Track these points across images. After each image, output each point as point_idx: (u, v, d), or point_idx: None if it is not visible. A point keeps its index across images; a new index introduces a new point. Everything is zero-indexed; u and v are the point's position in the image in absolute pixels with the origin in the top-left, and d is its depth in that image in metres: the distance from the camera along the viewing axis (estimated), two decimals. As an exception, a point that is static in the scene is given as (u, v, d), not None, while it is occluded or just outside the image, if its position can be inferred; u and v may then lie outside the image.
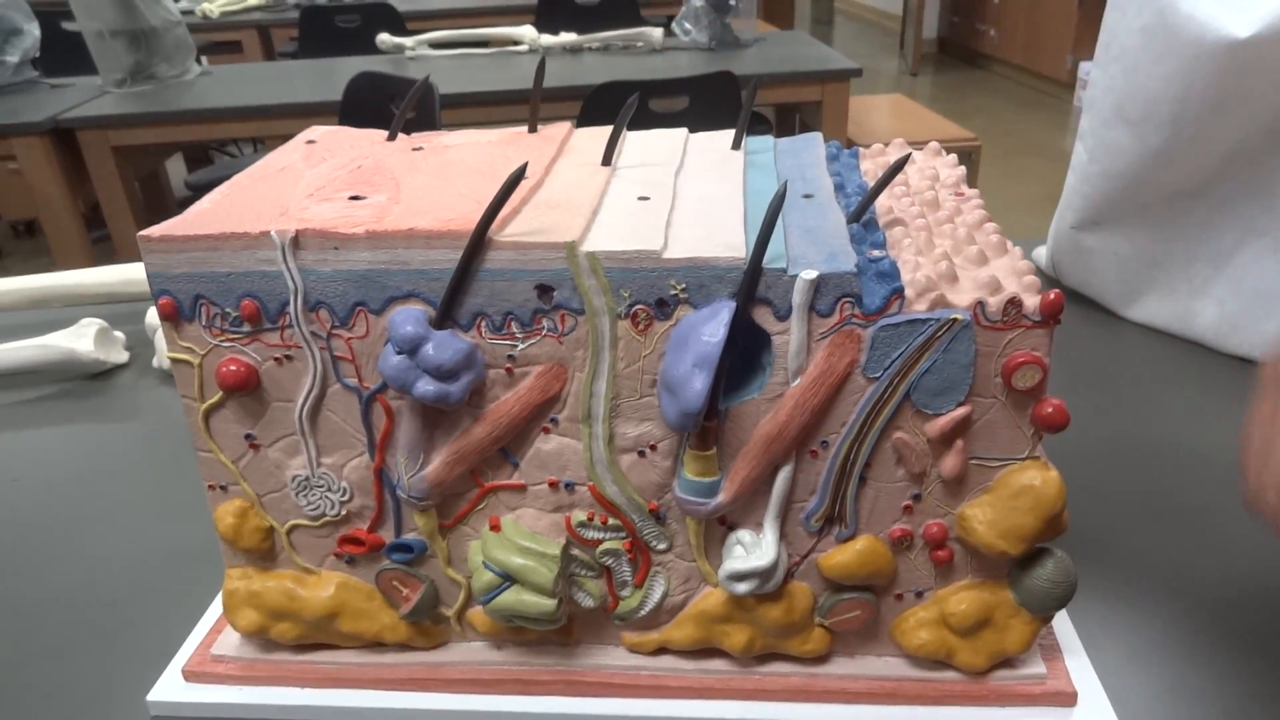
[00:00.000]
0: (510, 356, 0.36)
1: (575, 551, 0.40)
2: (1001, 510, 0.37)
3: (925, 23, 5.76)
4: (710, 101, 1.79)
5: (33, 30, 2.15)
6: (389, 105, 1.74)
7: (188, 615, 0.47)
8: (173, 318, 0.37)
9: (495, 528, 0.39)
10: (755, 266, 0.34)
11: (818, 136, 0.49)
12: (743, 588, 0.38)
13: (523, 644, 0.43)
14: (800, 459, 0.37)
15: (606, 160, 0.44)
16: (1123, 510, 0.53)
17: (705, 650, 0.42)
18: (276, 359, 0.38)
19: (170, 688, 0.43)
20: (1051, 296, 0.33)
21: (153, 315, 0.74)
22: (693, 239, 0.35)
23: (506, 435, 0.37)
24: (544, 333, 0.36)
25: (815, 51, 2.28)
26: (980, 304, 0.34)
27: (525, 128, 0.49)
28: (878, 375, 0.35)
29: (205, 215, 0.37)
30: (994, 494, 0.37)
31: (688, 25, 2.36)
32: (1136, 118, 0.62)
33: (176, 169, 2.87)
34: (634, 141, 0.48)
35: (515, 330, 0.36)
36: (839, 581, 0.39)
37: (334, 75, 2.09)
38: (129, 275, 0.80)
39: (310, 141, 0.47)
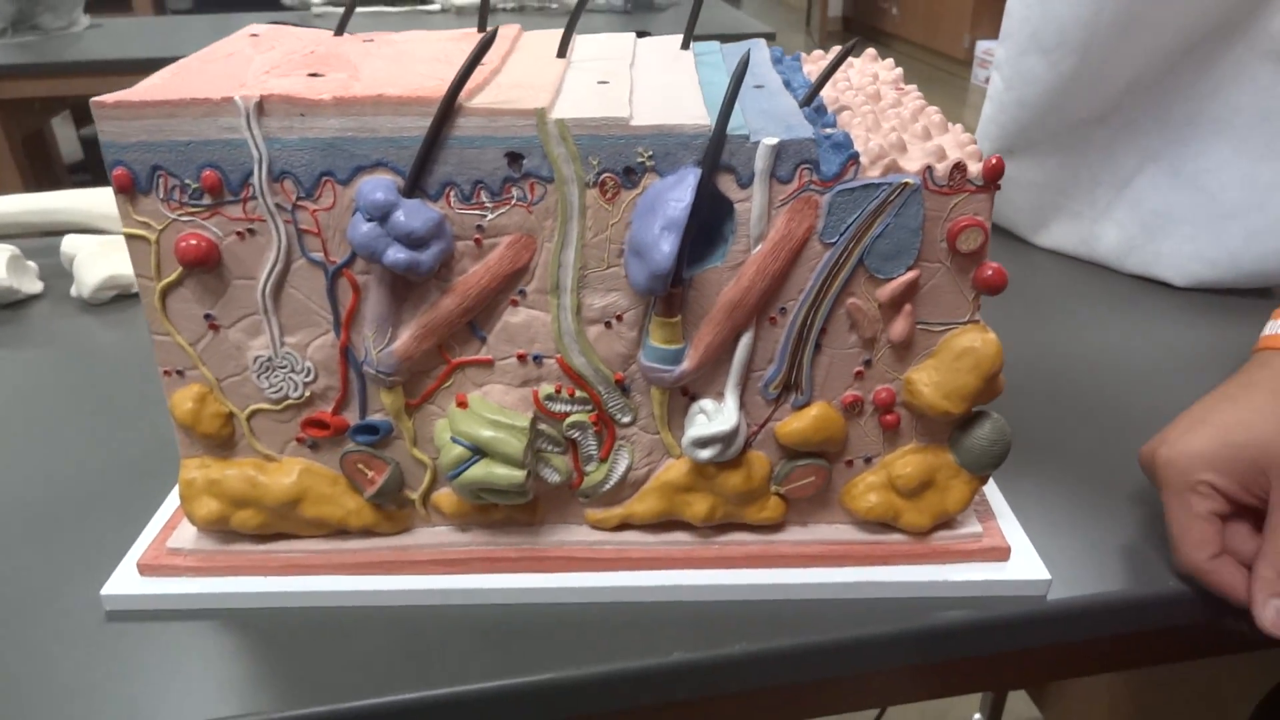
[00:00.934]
0: (479, 227, 0.37)
1: (542, 426, 0.41)
2: (945, 372, 0.39)
3: (830, 1, 5.88)
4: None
5: (-101, -26, 2.00)
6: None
7: (138, 517, 0.46)
8: (128, 190, 0.36)
9: (462, 404, 0.40)
10: (720, 132, 0.35)
11: (762, 42, 0.50)
12: (706, 454, 0.40)
13: (488, 525, 0.43)
14: (760, 326, 0.39)
15: (561, 53, 0.44)
16: (1041, 404, 0.57)
17: (666, 525, 0.44)
18: (238, 233, 0.37)
19: (125, 582, 0.42)
20: (993, 161, 0.36)
21: (68, 243, 0.71)
22: (658, 109, 0.37)
23: (475, 307, 0.38)
24: (513, 202, 0.37)
25: (728, 16, 2.30)
26: (929, 169, 0.36)
27: (474, 29, 0.49)
28: (834, 240, 0.37)
29: (159, 87, 0.36)
30: (937, 357, 0.40)
31: (607, -14, 2.35)
32: (1050, 45, 0.66)
33: (65, 134, 2.72)
34: (585, 41, 0.48)
35: (484, 199, 0.36)
36: (795, 448, 0.41)
37: (234, 30, 2.01)
38: (42, 205, 0.76)
39: (254, 35, 0.46)
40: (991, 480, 0.48)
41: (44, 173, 2.19)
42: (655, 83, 0.41)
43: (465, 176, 0.36)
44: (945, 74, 4.97)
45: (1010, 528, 0.45)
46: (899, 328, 0.39)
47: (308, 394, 0.40)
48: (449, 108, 0.35)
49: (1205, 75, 0.65)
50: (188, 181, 0.36)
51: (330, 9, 2.27)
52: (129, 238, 0.38)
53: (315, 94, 0.35)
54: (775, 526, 0.44)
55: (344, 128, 0.35)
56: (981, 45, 4.66)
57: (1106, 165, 0.71)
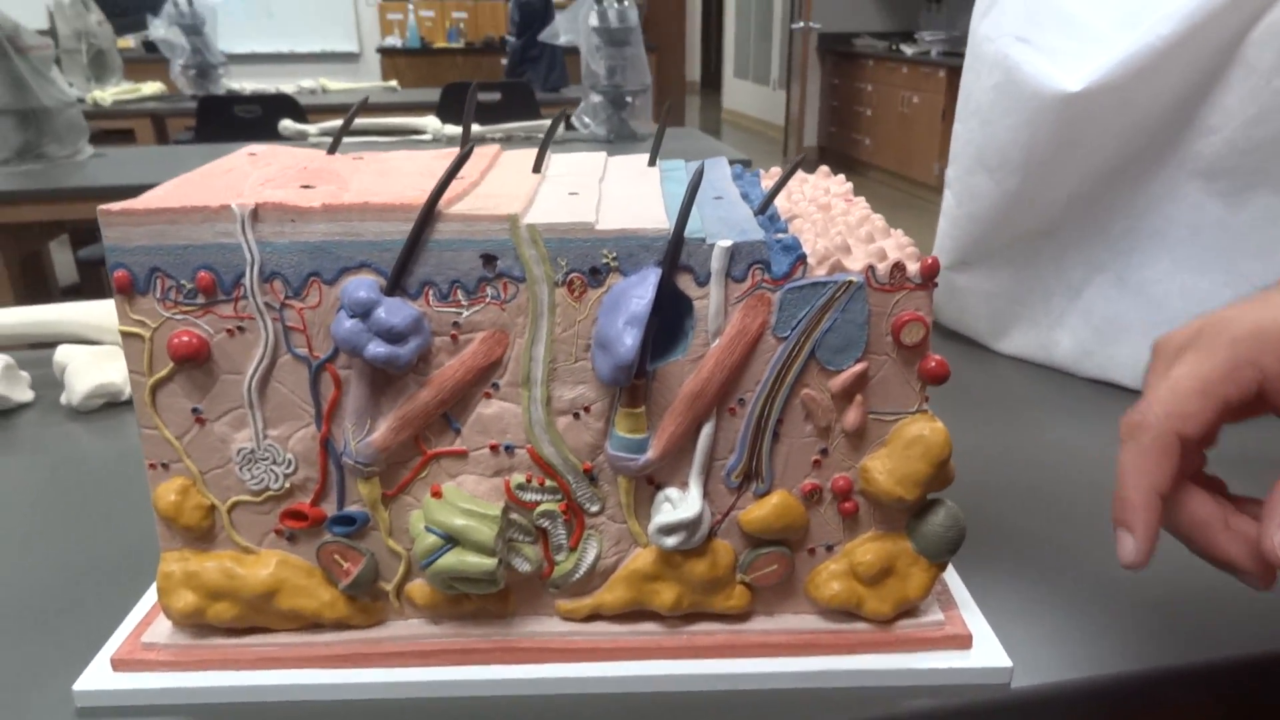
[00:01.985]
0: (455, 323, 0.39)
1: (514, 515, 0.42)
2: (897, 459, 0.41)
3: (806, 131, 6.18)
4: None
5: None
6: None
7: (115, 615, 0.46)
8: (127, 291, 0.39)
9: (437, 494, 0.42)
10: (679, 234, 0.38)
11: (724, 160, 0.55)
12: (671, 541, 0.41)
13: (460, 617, 0.44)
14: (720, 416, 0.41)
15: (537, 169, 0.48)
16: (1002, 498, 0.59)
17: (635, 615, 0.44)
18: (229, 330, 0.40)
19: (97, 677, 0.42)
20: (929, 261, 0.39)
21: (61, 353, 0.74)
22: (622, 215, 0.40)
23: (451, 399, 0.40)
24: (488, 300, 0.39)
25: (708, 145, 2.43)
26: (871, 268, 0.39)
27: (457, 149, 0.53)
28: (786, 335, 0.40)
29: (161, 197, 0.39)
30: (890, 446, 0.42)
31: (587, 119, 2.48)
32: (994, 164, 0.71)
33: (61, 257, 2.78)
34: (559, 159, 0.52)
35: (461, 297, 0.39)
36: (758, 536, 0.43)
37: (189, 159, 2.10)
38: (36, 317, 0.78)
39: (251, 154, 0.50)
40: (952, 569, 0.49)
41: (39, 293, 2.23)
42: (621, 193, 0.45)
43: (443, 276, 0.39)
44: (918, 199, 5.18)
45: (972, 616, 0.46)
46: (852, 417, 0.41)
47: (288, 485, 0.42)
48: (429, 213, 0.38)
49: (1140, 191, 0.69)
50: (183, 282, 0.39)
51: (326, 138, 2.38)
52: (125, 335, 0.40)
53: (306, 202, 0.38)
54: (742, 616, 0.45)
55: (331, 232, 0.38)
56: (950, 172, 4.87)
57: (1057, 276, 0.76)
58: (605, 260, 0.39)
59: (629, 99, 2.44)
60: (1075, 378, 0.77)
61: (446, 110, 2.89)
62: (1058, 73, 0.64)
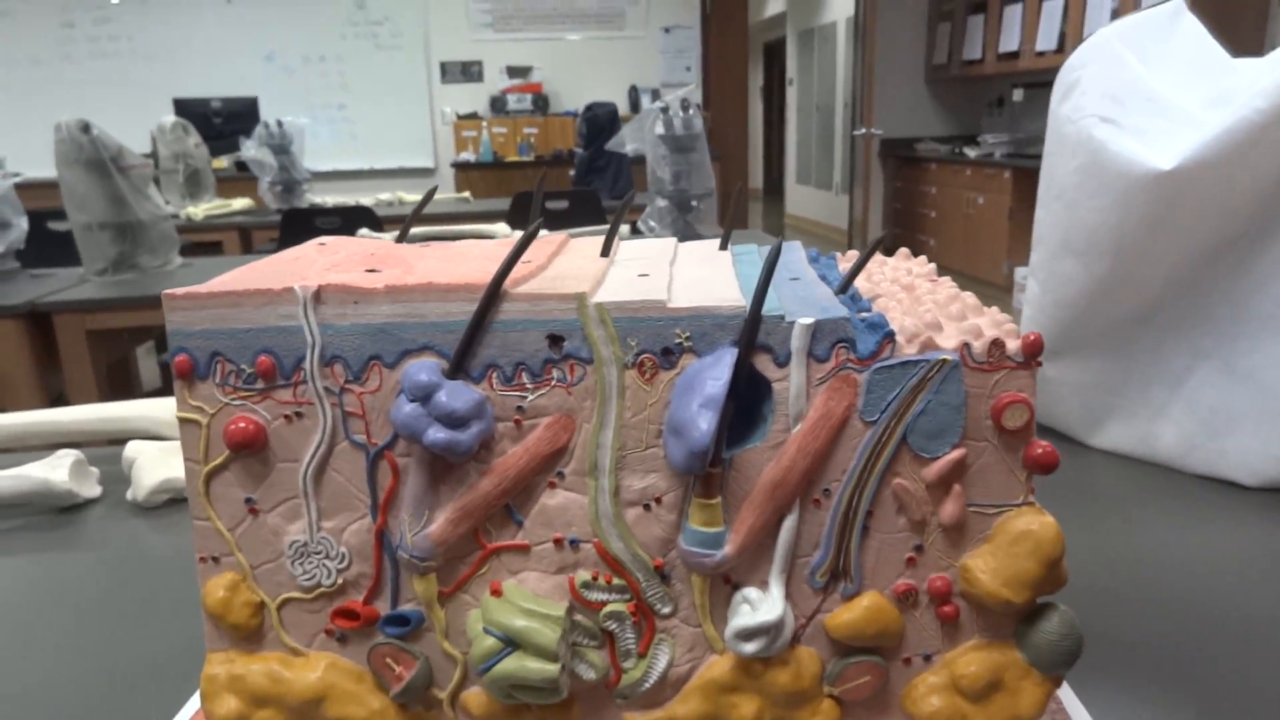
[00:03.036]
0: (520, 408, 0.37)
1: (578, 617, 0.39)
2: (1003, 558, 0.37)
3: (870, 235, 6.19)
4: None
5: (20, 223, 2.23)
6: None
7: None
8: (187, 376, 0.38)
9: (496, 593, 0.39)
10: (756, 312, 0.36)
11: (798, 244, 0.53)
12: (750, 647, 0.37)
13: (519, 730, 0.41)
14: (804, 508, 0.38)
15: (605, 253, 0.47)
16: (1111, 604, 0.53)
17: (711, 731, 0.40)
18: (286, 416, 0.38)
19: (134, 789, 0.40)
20: (1031, 337, 0.36)
21: (131, 449, 0.74)
22: (695, 293, 0.38)
23: (513, 489, 0.38)
24: (553, 383, 0.37)
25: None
26: (966, 346, 0.36)
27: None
28: (875, 419, 0.36)
29: (226, 282, 0.39)
30: (993, 542, 0.38)
31: (652, 223, 2.52)
32: (1081, 248, 0.68)
33: (147, 363, 2.89)
34: (628, 245, 0.51)
35: (525, 380, 0.37)
36: (847, 642, 0.38)
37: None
38: (109, 414, 0.79)
39: (321, 244, 0.50)
40: (1065, 684, 0.44)
41: (124, 396, 2.31)
42: (694, 274, 0.43)
43: (508, 359, 0.37)
44: (988, 298, 5.10)
45: (1095, 740, 0.40)
46: (950, 509, 0.37)
47: (340, 581, 0.39)
48: (494, 293, 0.36)
49: (1245, 273, 0.65)
50: (244, 366, 0.38)
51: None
52: (183, 422, 0.39)
53: (369, 283, 0.37)
54: (831, 734, 0.40)
55: (394, 313, 0.37)
56: (1019, 272, 4.80)
57: (1156, 364, 0.71)
58: (678, 340, 0.37)
59: (694, 203, 2.47)
60: (1181, 473, 0.71)
61: (516, 217, 2.98)
62: (1147, 151, 0.62)
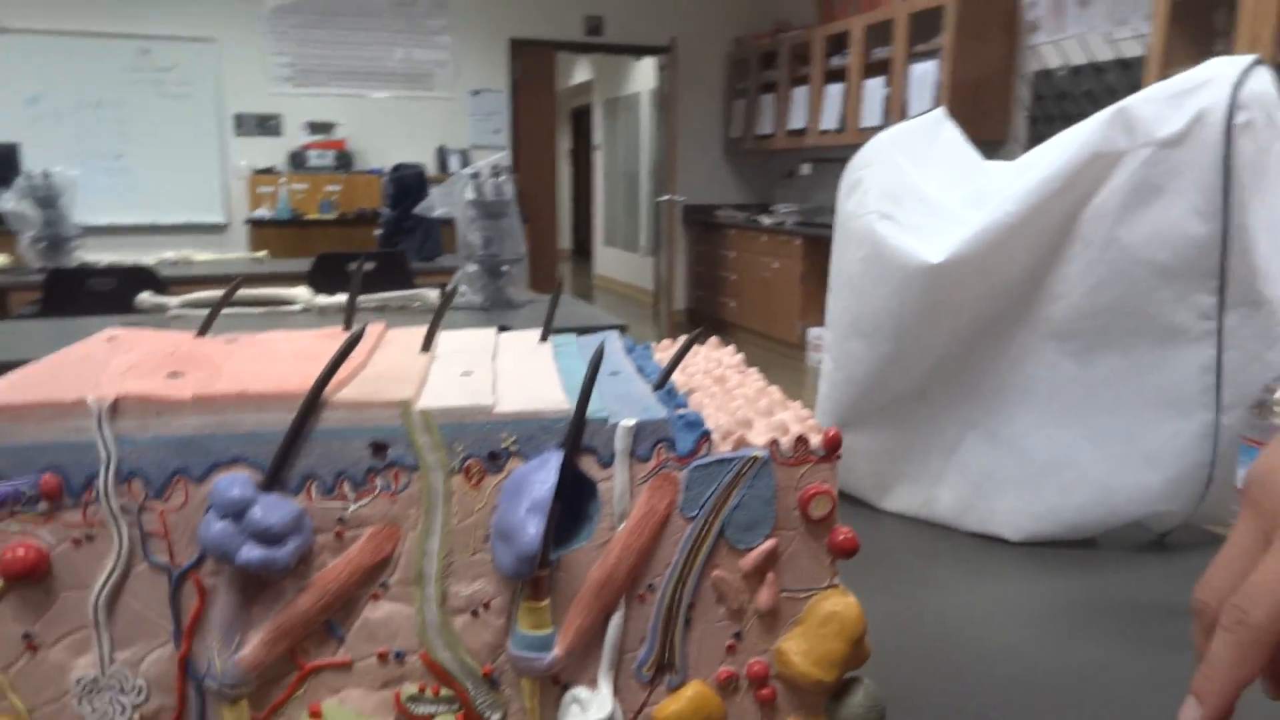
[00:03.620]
0: (341, 519, 0.36)
1: (404, 731, 0.38)
2: (813, 639, 0.40)
3: (675, 296, 6.44)
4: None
5: None
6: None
7: None
8: (-48, 499, 0.34)
9: (316, 715, 0.37)
10: (580, 415, 0.37)
11: (615, 334, 0.55)
12: (582, 747, 0.38)
13: None
14: (629, 604, 0.39)
15: (426, 348, 0.47)
16: (911, 669, 0.57)
17: (543, 835, 0.40)
18: (75, 540, 0.35)
19: None
20: (831, 433, 0.39)
21: None
22: (520, 396, 0.38)
23: (334, 604, 0.36)
24: (377, 491, 0.36)
25: (583, 310, 2.48)
26: (775, 442, 0.39)
27: (339, 327, 0.51)
28: (694, 514, 0.38)
29: (5, 391, 0.35)
30: (804, 625, 0.40)
31: (463, 287, 2.50)
32: (868, 330, 0.74)
33: None
34: (449, 337, 0.51)
35: (347, 490, 0.36)
36: (674, 733, 0.39)
37: (81, 335, 1.98)
38: None
39: (111, 338, 0.47)
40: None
41: None
42: (516, 371, 0.44)
43: (328, 468, 0.36)
44: (782, 357, 5.42)
45: (899, 802, 0.43)
46: (764, 596, 0.39)
47: (137, 718, 0.36)
48: (314, 401, 0.35)
49: (1003, 353, 0.74)
50: (23, 488, 0.34)
51: (188, 311, 2.29)
52: (-55, 551, 0.35)
53: (175, 393, 0.35)
54: (660, 825, 0.41)
55: (202, 425, 0.35)
56: (812, 331, 5.15)
57: (933, 434, 0.78)
58: (505, 445, 0.37)
59: (504, 268, 2.48)
60: (958, 532, 0.79)
61: (318, 279, 2.85)
62: (920, 246, 0.69)
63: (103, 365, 0.40)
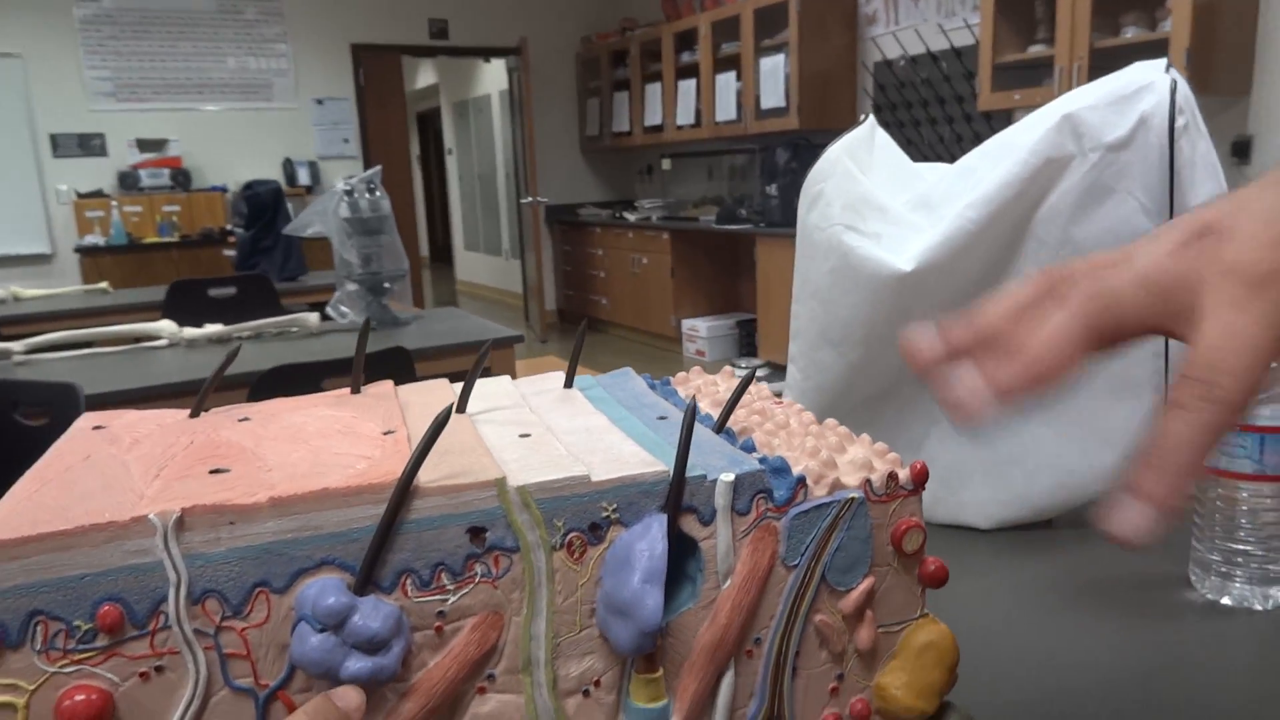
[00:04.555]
0: (441, 612, 0.33)
1: (520, 830, 0.35)
2: (912, 671, 0.40)
3: (546, 297, 6.39)
4: (392, 375, 1.80)
5: None
6: (11, 416, 1.51)
7: None
8: (-9, 648, 0.29)
9: (425, 826, 0.34)
10: (680, 476, 0.35)
11: (629, 371, 0.53)
12: (706, 817, 0.36)
13: None
14: (738, 661, 0.37)
15: (461, 408, 0.44)
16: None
17: None
18: (142, 674, 0.31)
19: None
20: (918, 466, 0.39)
21: None
22: (610, 461, 0.36)
23: (442, 706, 0.33)
24: (477, 579, 0.34)
25: (474, 324, 2.41)
26: (867, 481, 0.38)
27: (347, 389, 0.47)
28: (796, 562, 0.37)
29: (34, 515, 0.31)
30: (900, 657, 0.40)
31: (344, 308, 2.39)
32: (837, 339, 0.75)
33: None
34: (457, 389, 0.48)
35: (446, 582, 0.33)
36: (786, 785, 0.39)
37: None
38: None
39: (98, 427, 0.41)
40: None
41: None
42: (573, 428, 0.41)
43: (424, 560, 0.33)
44: (660, 350, 5.47)
45: (985, 815, 0.44)
46: (864, 635, 0.39)
47: None
48: (405, 491, 0.32)
49: (962, 351, 0.76)
50: (77, 623, 0.30)
51: (34, 356, 2.08)
52: (-16, 709, 0.30)
53: (248, 498, 0.31)
54: None
55: (282, 530, 0.31)
56: (686, 323, 5.22)
57: (901, 433, 0.80)
58: (605, 514, 0.35)
59: (387, 284, 2.39)
60: (931, 524, 0.81)
61: (175, 311, 2.66)
62: (887, 255, 0.71)
63: (125, 468, 0.35)
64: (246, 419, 0.42)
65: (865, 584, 0.39)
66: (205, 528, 0.31)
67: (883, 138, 0.84)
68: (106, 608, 0.30)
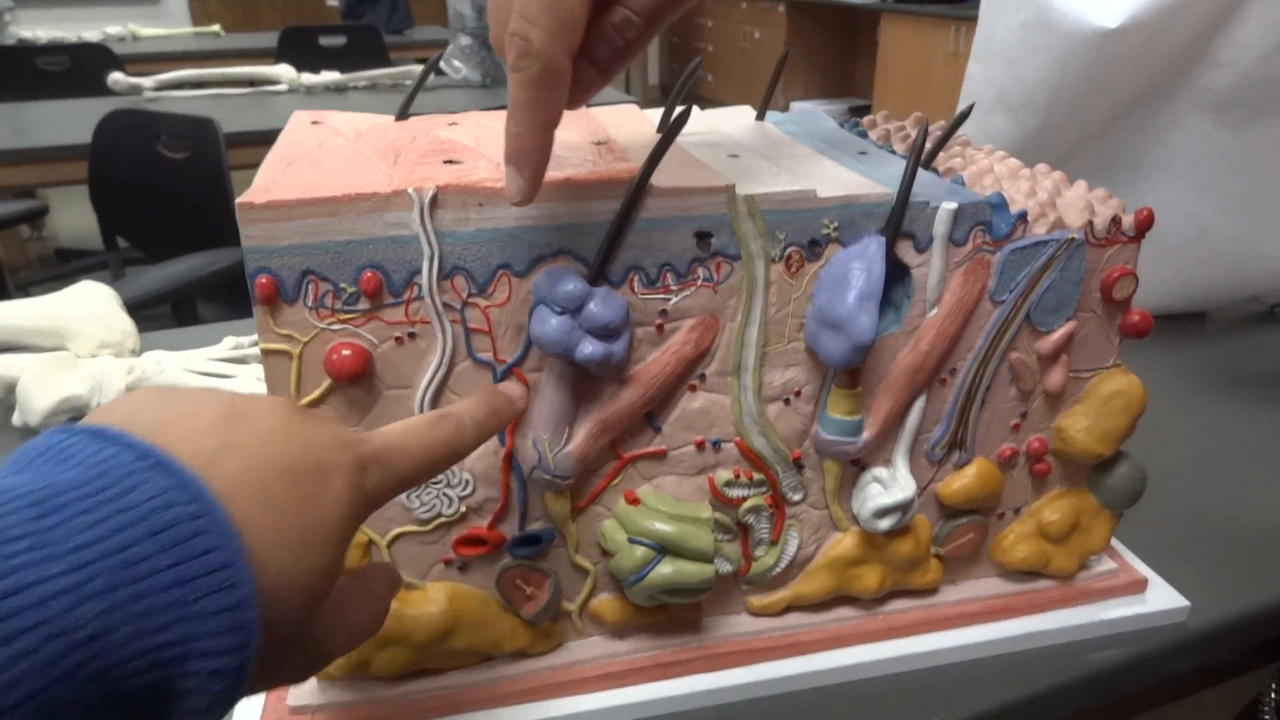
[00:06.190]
0: (663, 311, 0.35)
1: (717, 515, 0.38)
2: (1096, 416, 0.40)
3: (649, 69, 6.14)
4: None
5: None
6: (154, 147, 1.57)
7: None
8: (271, 301, 0.32)
9: (633, 501, 0.37)
10: (904, 199, 0.35)
11: (818, 110, 0.51)
12: (885, 524, 0.39)
13: (646, 629, 0.40)
14: (931, 388, 0.39)
15: (661, 128, 0.43)
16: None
17: (827, 602, 0.42)
18: (397, 338, 0.33)
19: (247, 755, 0.36)
20: (1145, 213, 0.38)
21: (5, 366, 0.62)
22: (831, 181, 0.36)
23: (657, 396, 0.36)
24: (699, 282, 0.35)
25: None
26: (1090, 223, 0.37)
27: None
28: (1004, 298, 0.38)
29: (295, 184, 0.32)
30: (1086, 403, 0.41)
31: (457, 63, 2.34)
32: (1017, 104, 0.71)
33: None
34: (654, 116, 0.47)
35: (670, 282, 0.35)
36: (959, 507, 0.41)
37: (35, 121, 1.82)
38: (-49, 324, 0.65)
39: (316, 123, 0.43)
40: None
41: None
42: (777, 155, 0.41)
43: (652, 259, 0.34)
44: (765, 134, 5.26)
45: (1134, 561, 0.46)
46: (1056, 378, 0.40)
47: (462, 509, 0.36)
48: (641, 188, 0.33)
49: (1147, 125, 0.71)
50: (343, 285, 0.32)
51: (164, 94, 2.12)
52: (266, 354, 0.33)
53: (495, 183, 0.32)
54: (931, 589, 0.43)
55: (524, 217, 0.33)
56: (795, 105, 4.98)
57: (1061, 211, 0.77)
58: (825, 231, 0.35)
59: (501, 40, 2.31)
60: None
61: (290, 57, 2.65)
62: (1092, 10, 0.65)
63: (360, 154, 0.37)
64: (455, 123, 0.42)
65: (1067, 327, 0.38)
66: (456, 207, 0.32)
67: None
68: (369, 274, 0.32)
